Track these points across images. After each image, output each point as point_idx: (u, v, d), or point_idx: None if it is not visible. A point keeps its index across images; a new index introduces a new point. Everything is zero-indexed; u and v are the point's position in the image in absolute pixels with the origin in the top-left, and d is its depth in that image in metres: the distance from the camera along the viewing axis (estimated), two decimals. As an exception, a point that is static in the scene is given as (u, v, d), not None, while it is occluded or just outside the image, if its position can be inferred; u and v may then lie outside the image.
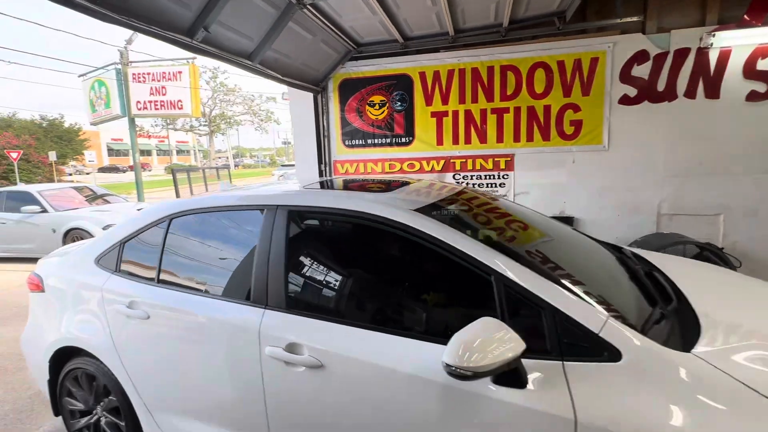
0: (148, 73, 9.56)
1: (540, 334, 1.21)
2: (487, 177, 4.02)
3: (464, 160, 4.04)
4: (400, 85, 4.08)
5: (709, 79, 3.41)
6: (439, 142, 4.07)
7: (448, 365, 1.09)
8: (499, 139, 3.91)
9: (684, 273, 1.88)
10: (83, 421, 2.15)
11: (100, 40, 10.05)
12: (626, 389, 1.10)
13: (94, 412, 2.11)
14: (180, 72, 9.40)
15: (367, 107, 4.20)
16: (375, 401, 1.38)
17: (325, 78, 4.18)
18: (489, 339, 1.10)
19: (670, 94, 3.50)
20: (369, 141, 4.25)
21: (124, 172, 49.24)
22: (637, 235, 3.67)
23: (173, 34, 2.41)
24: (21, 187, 7.47)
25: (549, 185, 3.89)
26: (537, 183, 3.91)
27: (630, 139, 3.64)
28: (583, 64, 3.63)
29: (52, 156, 25.39)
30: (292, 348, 1.47)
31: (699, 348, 1.18)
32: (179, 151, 67.90)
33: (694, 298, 1.53)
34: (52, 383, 2.20)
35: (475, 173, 4.04)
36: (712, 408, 1.04)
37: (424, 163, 4.15)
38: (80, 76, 10.79)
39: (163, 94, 9.59)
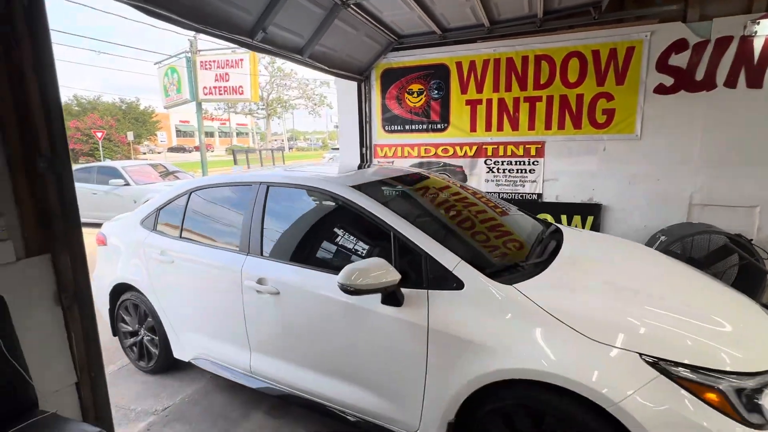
0: (214, 61, 10.42)
1: (418, 271, 1.76)
2: (518, 163, 4.20)
3: (496, 146, 4.25)
4: (438, 74, 4.33)
5: (752, 68, 3.35)
6: (473, 128, 4.29)
7: (340, 284, 1.66)
8: (531, 126, 4.07)
9: (581, 241, 2.40)
10: (131, 339, 2.96)
11: (174, 30, 11.04)
12: (462, 308, 1.66)
13: (139, 332, 2.89)
14: (241, 60, 10.16)
15: (406, 95, 4.50)
16: (312, 316, 2.02)
17: (368, 68, 4.52)
18: (370, 269, 1.65)
19: (708, 84, 3.47)
20: (407, 127, 4.56)
21: (189, 152, 53.00)
22: (666, 224, 3.72)
23: (237, 36, 2.87)
24: (108, 162, 8.61)
25: (579, 172, 4.00)
26: (566, 170, 4.04)
27: (664, 129, 3.66)
28: (619, 54, 3.67)
29: (130, 136, 28.11)
30: (260, 281, 2.13)
31: (521, 284, 1.67)
32: (239, 134, 71.57)
33: (563, 255, 2.04)
34: (111, 312, 3.00)
35: (506, 159, 4.24)
36: (510, 318, 1.58)
37: (458, 148, 4.41)
38: (156, 63, 11.95)
39: (226, 80, 10.42)
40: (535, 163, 4.14)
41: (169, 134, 53.50)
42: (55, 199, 1.71)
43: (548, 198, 4.15)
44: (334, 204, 2.14)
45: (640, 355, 1.37)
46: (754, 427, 1.28)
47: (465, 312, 1.65)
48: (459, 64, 4.23)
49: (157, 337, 2.77)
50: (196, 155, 45.69)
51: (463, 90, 4.26)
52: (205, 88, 10.71)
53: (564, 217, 4.07)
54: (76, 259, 1.79)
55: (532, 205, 4.18)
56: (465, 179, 4.44)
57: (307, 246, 2.19)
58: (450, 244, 1.84)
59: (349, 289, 1.65)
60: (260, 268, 2.18)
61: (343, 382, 1.98)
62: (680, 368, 1.34)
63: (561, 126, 3.96)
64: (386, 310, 1.77)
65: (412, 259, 1.80)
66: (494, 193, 4.33)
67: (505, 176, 4.29)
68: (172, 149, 50.47)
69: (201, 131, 11.48)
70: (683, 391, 1.31)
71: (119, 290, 2.91)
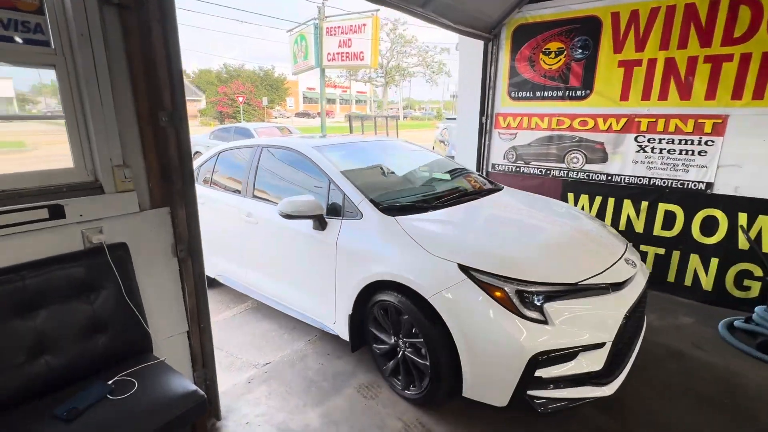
0: (338, 27, 10.60)
1: (340, 206, 2.41)
2: (683, 142, 3.32)
3: (654, 120, 3.41)
4: (584, 29, 3.59)
5: None
6: (624, 96, 3.50)
7: (278, 211, 2.32)
8: (710, 95, 3.14)
9: (506, 197, 3.00)
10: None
11: (304, -3, 11.50)
12: (358, 231, 2.30)
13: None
14: (364, 24, 10.13)
15: (542, 56, 3.85)
16: (273, 239, 2.82)
17: (498, 24, 3.97)
18: (299, 201, 2.33)
19: None
20: (538, 93, 3.94)
21: (313, 117, 56.85)
22: None
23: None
24: (243, 124, 9.53)
25: (776, 159, 3.00)
26: (757, 154, 3.06)
27: None
28: None
29: (265, 101, 31.14)
30: (248, 215, 2.95)
31: (401, 217, 2.26)
32: (358, 101, 74.17)
33: (469, 203, 2.68)
34: None
35: (667, 136, 3.38)
36: (385, 238, 2.20)
37: (600, 120, 3.66)
38: (288, 31, 12.67)
39: (348, 46, 10.56)
40: (709, 143, 3.21)
41: (296, 100, 57.99)
42: (175, 153, 1.74)
43: (722, 189, 3.22)
44: (298, 158, 2.82)
45: (458, 264, 1.91)
46: (528, 319, 1.78)
47: (360, 234, 2.30)
48: (615, 16, 3.42)
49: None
50: (317, 121, 48.82)
51: (617, 48, 3.46)
52: (329, 54, 11.03)
53: (743, 216, 3.13)
54: (191, 214, 1.83)
55: (693, 198, 3.31)
56: (605, 158, 3.70)
57: (276, 188, 2.97)
58: (366, 188, 2.45)
59: (283, 214, 2.32)
60: (250, 205, 2.98)
61: (293, 288, 2.76)
62: (480, 274, 1.87)
63: (758, 95, 2.97)
64: (314, 233, 2.46)
65: (338, 197, 2.44)
66: (644, 177, 3.53)
67: (662, 158, 3.44)
68: (298, 114, 54.73)
69: (322, 97, 11.97)
70: (479, 289, 1.84)
71: None
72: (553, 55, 3.79)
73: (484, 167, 4.40)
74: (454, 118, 18.76)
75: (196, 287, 1.90)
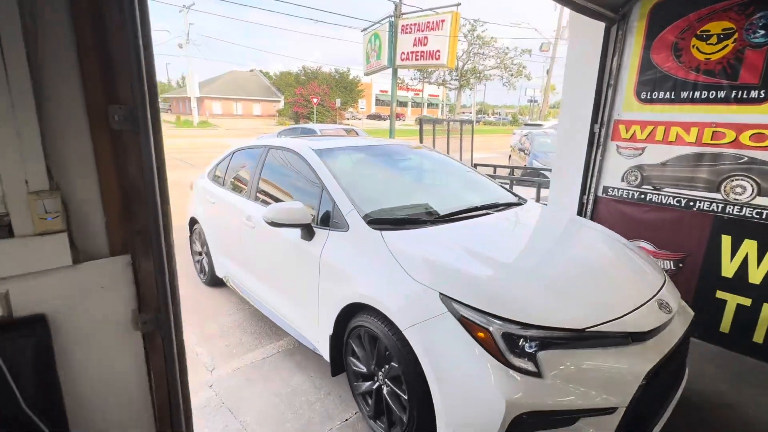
0: (415, 24, 9.91)
1: (330, 214, 2.25)
2: None
3: None
4: (775, -1, 2.46)
5: None
6: (837, 100, 2.32)
7: (263, 217, 2.21)
8: None
9: (516, 215, 2.58)
10: (197, 257, 3.94)
11: (381, -5, 11.05)
12: (344, 244, 2.12)
13: (201, 253, 3.78)
14: (443, 21, 9.32)
15: (695, 41, 2.77)
16: (267, 245, 2.71)
17: (629, 0, 2.95)
18: (286, 208, 2.20)
19: None
20: (684, 94, 2.85)
21: (384, 119, 57.13)
22: None
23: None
24: (310, 125, 9.20)
25: None
26: None
27: None
28: None
29: (338, 102, 31.57)
30: (248, 218, 2.84)
31: (388, 232, 2.03)
32: (429, 104, 73.46)
33: (470, 220, 2.33)
34: (190, 238, 4.06)
35: None
36: (367, 255, 1.99)
37: (789, 134, 2.50)
38: (363, 30, 12.26)
39: (424, 45, 9.81)
40: None
41: (369, 102, 58.72)
42: (138, 171, 1.10)
43: None
44: (298, 161, 2.66)
45: (440, 294, 1.63)
46: (515, 369, 1.45)
47: (343, 247, 2.10)
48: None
49: (206, 258, 3.66)
50: (388, 123, 48.78)
51: (831, 26, 2.30)
52: (402, 53, 10.38)
53: None
54: (163, 264, 1.18)
55: None
56: (794, 190, 2.53)
57: (276, 191, 2.87)
58: (361, 198, 2.27)
59: (268, 221, 2.17)
60: (251, 208, 2.87)
61: (284, 299, 2.58)
62: (464, 308, 1.56)
63: None
64: (301, 243, 2.30)
65: (329, 206, 2.28)
66: None
67: None
68: (370, 116, 55.30)
69: (393, 99, 11.36)
70: (461, 327, 1.54)
71: (191, 223, 3.93)
72: (714, 39, 2.69)
73: (592, 189, 3.37)
74: (536, 124, 17.26)
75: (170, 375, 1.25)
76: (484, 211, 2.43)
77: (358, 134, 9.60)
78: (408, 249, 1.90)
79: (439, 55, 9.66)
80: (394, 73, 11.19)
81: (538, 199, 5.44)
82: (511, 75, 36.73)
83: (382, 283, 1.83)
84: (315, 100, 30.26)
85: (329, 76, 41.28)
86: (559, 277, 1.82)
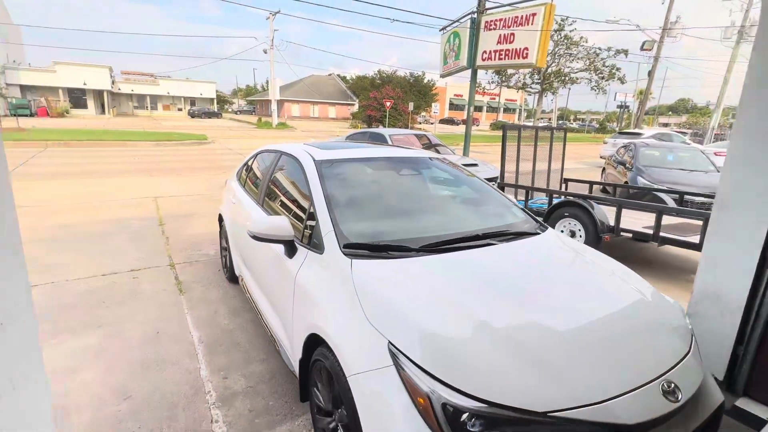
0: (500, 19, 8.94)
1: (312, 235, 2.13)
2: None
3: None
4: None
5: None
6: None
7: (248, 230, 2.13)
8: None
9: (519, 249, 2.18)
10: (224, 253, 4.03)
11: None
12: (316, 267, 1.98)
13: (226, 248, 3.82)
14: (534, 14, 8.25)
15: None
16: (262, 258, 2.64)
17: None
18: (269, 223, 2.11)
19: None
20: None
21: (457, 124, 55.72)
22: None
23: None
24: (379, 129, 8.64)
25: None
26: None
27: None
28: None
29: (411, 106, 31.09)
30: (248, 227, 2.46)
31: (362, 261, 1.85)
32: (506, 109, 70.38)
33: (459, 254, 2.02)
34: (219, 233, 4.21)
35: None
36: (333, 284, 1.82)
37: None
38: (441, 29, 11.51)
39: (510, 42, 8.79)
40: None
41: (442, 106, 57.63)
42: None
43: None
44: (299, 170, 2.57)
45: (389, 343, 1.43)
46: None
47: (316, 271, 1.96)
48: None
49: (229, 256, 3.73)
50: (461, 128, 47.36)
51: None
52: (484, 53, 9.45)
53: None
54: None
55: None
56: None
57: (272, 199, 2.91)
58: (348, 216, 2.17)
59: (251, 235, 2.11)
60: (257, 214, 2.92)
61: (271, 309, 2.50)
62: (410, 364, 1.35)
63: None
64: (283, 259, 2.21)
65: (313, 222, 2.15)
66: None
67: None
68: (442, 121, 54.20)
69: (471, 102, 10.45)
70: (403, 387, 1.34)
71: (220, 219, 4.13)
72: None
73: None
74: (634, 133, 15.10)
75: None
76: (486, 241, 2.13)
77: (429, 140, 8.87)
78: (373, 284, 1.73)
79: (527, 54, 8.58)
80: (474, 74, 10.25)
81: (657, 230, 4.28)
82: (602, 78, 33.48)
83: (340, 319, 1.67)
84: (388, 104, 30.04)
85: (404, 79, 41.04)
86: (540, 341, 1.49)
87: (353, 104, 52.60)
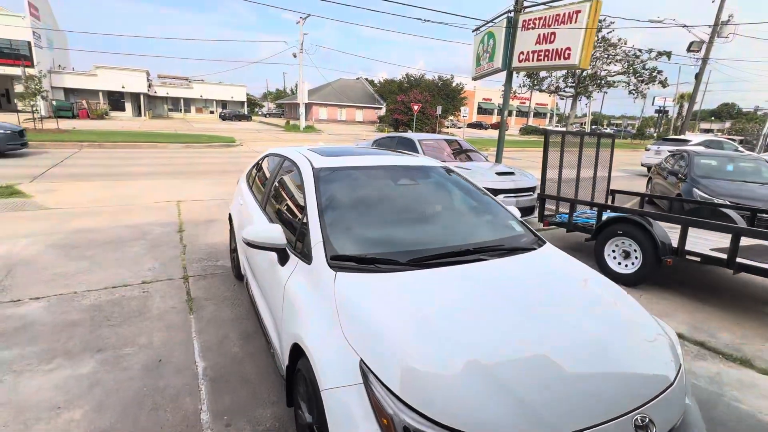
0: (540, 18, 8.37)
1: (303, 244, 2.13)
2: None
3: None
4: None
5: None
6: None
7: (242, 237, 2.17)
8: None
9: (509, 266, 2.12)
10: (234, 254, 4.05)
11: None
12: (304, 277, 1.98)
13: (235, 249, 3.93)
14: (578, 12, 7.65)
15: None
16: (260, 263, 2.66)
17: None
18: (262, 230, 2.17)
19: None
20: None
21: (485, 128, 54.62)
22: None
23: None
24: (407, 134, 8.24)
25: None
26: None
27: None
28: None
29: (439, 110, 30.54)
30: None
31: (346, 273, 1.84)
32: (536, 114, 68.64)
33: (444, 268, 1.98)
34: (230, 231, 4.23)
35: None
36: (316, 295, 1.83)
37: None
38: (474, 30, 11.01)
39: (551, 42, 8.20)
40: None
41: (471, 110, 56.73)
42: None
43: None
44: (298, 177, 2.61)
45: (361, 361, 1.43)
46: None
47: (303, 281, 1.97)
48: None
49: (236, 255, 3.85)
50: (489, 132, 46.38)
51: None
52: (521, 54, 8.89)
53: None
54: None
55: None
56: None
57: (272, 204, 2.93)
58: (341, 227, 2.18)
59: (245, 242, 2.14)
60: (258, 218, 2.96)
61: (267, 310, 2.49)
62: (378, 384, 1.35)
63: None
64: (276, 266, 2.24)
65: (305, 235, 2.15)
66: None
67: None
68: (470, 125, 53.32)
69: (506, 106, 9.88)
70: (370, 407, 1.35)
71: (230, 219, 4.13)
72: None
73: None
74: (680, 139, 14.04)
75: None
76: (477, 256, 2.11)
77: (460, 145, 8.39)
78: (354, 298, 1.71)
79: (569, 54, 7.96)
80: (509, 76, 9.69)
81: (733, 255, 3.67)
82: (642, 81, 31.89)
83: (319, 332, 1.67)
84: (416, 108, 29.61)
85: (432, 83, 40.51)
86: (513, 370, 1.41)
87: (380, 108, 52.45)
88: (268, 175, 3.34)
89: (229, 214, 4.17)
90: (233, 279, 4.07)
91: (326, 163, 2.65)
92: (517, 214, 2.83)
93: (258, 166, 3.78)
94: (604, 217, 4.69)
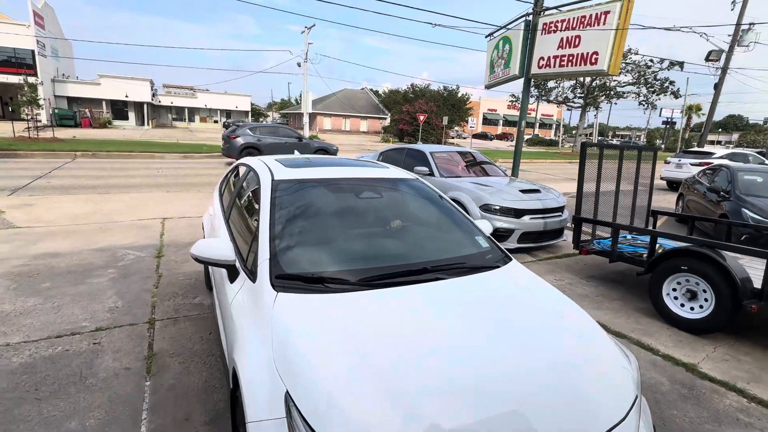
0: (562, 21, 7.70)
1: (253, 261, 1.99)
2: None
3: None
4: None
5: None
6: None
7: (190, 252, 2.02)
8: None
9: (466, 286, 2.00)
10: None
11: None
12: (247, 296, 1.87)
13: None
14: (606, 13, 6.96)
15: None
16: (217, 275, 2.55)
17: None
18: (210, 245, 2.04)
19: None
20: None
21: (491, 139, 54.02)
22: None
23: None
24: (419, 146, 7.54)
25: None
26: None
27: None
28: None
29: (445, 120, 29.94)
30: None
31: (290, 294, 1.74)
32: (541, 124, 68.01)
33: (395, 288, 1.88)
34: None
35: None
36: (253, 317, 1.74)
37: None
38: (487, 36, 10.36)
39: (575, 46, 7.50)
40: None
41: (477, 121, 56.18)
42: None
43: None
44: (257, 188, 2.51)
45: (286, 393, 1.36)
46: None
47: (247, 301, 1.85)
48: None
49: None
50: (496, 143, 45.67)
51: None
52: (541, 59, 8.20)
53: None
54: None
55: None
56: None
57: (234, 216, 2.79)
58: (288, 244, 2.06)
59: (193, 257, 2.01)
60: (221, 231, 2.82)
61: (222, 328, 2.27)
62: (299, 418, 1.29)
63: None
64: (225, 284, 2.15)
65: (255, 250, 2.02)
66: None
67: None
68: (475, 135, 52.68)
69: (523, 116, 9.15)
70: None
71: (203, 228, 3.90)
72: None
73: None
74: (703, 152, 13.26)
75: None
76: (434, 275, 2.00)
77: (474, 157, 7.67)
78: (290, 323, 1.59)
79: (596, 59, 7.25)
80: (527, 83, 8.97)
81: None
82: (653, 92, 31.18)
83: (253, 358, 1.53)
84: (421, 118, 29.03)
85: (437, 93, 40.00)
86: (445, 406, 1.32)
87: (385, 118, 52.03)
88: (234, 185, 3.26)
89: (202, 223, 4.02)
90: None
91: (288, 174, 2.57)
92: (487, 229, 2.67)
93: (228, 176, 3.69)
94: (660, 245, 3.91)
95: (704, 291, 3.50)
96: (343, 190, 2.70)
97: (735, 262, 3.44)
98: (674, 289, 3.71)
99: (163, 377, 2.60)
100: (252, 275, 1.93)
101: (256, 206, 2.38)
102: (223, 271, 2.20)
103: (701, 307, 3.52)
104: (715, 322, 3.40)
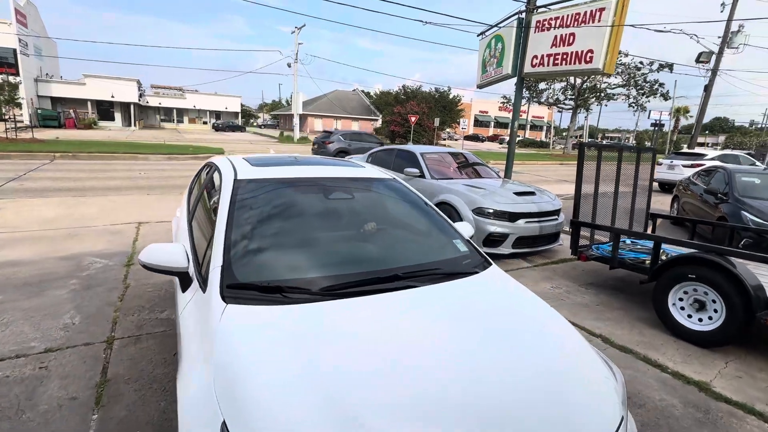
0: (556, 18, 7.50)
1: (205, 270, 1.80)
2: None
3: None
4: None
5: None
6: None
7: (138, 258, 1.81)
8: None
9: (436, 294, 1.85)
10: None
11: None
12: (195, 307, 1.69)
13: None
14: (601, 9, 6.77)
15: None
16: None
17: None
18: (159, 250, 1.81)
19: None
20: None
21: (482, 141, 54.04)
22: None
23: None
24: (409, 146, 7.27)
25: None
26: None
27: None
28: None
29: (436, 122, 29.76)
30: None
31: (237, 305, 1.55)
32: (532, 126, 68.27)
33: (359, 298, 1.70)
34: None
35: None
36: (200, 330, 1.55)
37: None
38: (479, 35, 10.15)
39: (569, 44, 7.30)
40: None
41: (468, 123, 56.17)
42: None
43: None
44: (219, 188, 2.36)
45: (223, 423, 1.16)
46: None
47: (195, 313, 1.67)
48: None
49: None
50: (487, 145, 45.65)
51: None
52: (534, 58, 7.99)
53: None
54: None
55: None
56: None
57: (196, 219, 2.57)
58: (245, 249, 1.89)
59: (141, 264, 1.76)
60: (183, 235, 2.63)
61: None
62: None
63: None
64: (177, 292, 1.97)
65: (210, 260, 1.82)
66: None
67: None
68: (467, 137, 52.66)
69: (516, 116, 8.94)
70: None
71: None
72: None
73: None
74: (695, 153, 13.20)
75: None
76: (405, 283, 1.82)
77: (466, 159, 7.42)
78: (236, 341, 1.40)
79: (590, 57, 7.05)
80: (520, 82, 8.76)
81: None
82: (643, 94, 31.36)
83: (192, 380, 1.36)
84: (413, 119, 28.82)
85: (429, 95, 39.83)
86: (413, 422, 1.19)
87: (377, 119, 51.78)
88: (199, 186, 3.08)
89: (172, 227, 3.80)
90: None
91: (253, 174, 2.40)
92: (467, 232, 2.50)
93: (196, 176, 3.44)
94: (664, 252, 3.67)
95: (714, 301, 3.26)
96: (312, 190, 2.53)
97: (746, 269, 3.21)
98: (681, 299, 3.46)
99: (114, 409, 2.27)
100: (203, 284, 1.75)
101: (216, 208, 2.19)
102: (176, 278, 1.99)
103: (710, 318, 3.28)
104: (726, 335, 3.16)
